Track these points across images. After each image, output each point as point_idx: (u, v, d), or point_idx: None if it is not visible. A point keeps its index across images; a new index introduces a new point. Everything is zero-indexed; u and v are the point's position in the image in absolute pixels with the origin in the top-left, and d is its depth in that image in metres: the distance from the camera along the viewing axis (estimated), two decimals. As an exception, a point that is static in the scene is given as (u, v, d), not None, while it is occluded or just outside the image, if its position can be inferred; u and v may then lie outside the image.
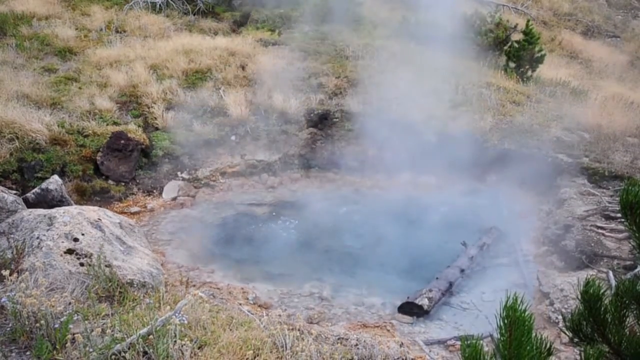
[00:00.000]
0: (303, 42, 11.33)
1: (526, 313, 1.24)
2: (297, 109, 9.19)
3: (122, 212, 6.85)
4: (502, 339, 1.28)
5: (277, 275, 5.99)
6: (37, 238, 4.40)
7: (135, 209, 7.33)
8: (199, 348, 3.27)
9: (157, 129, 8.55)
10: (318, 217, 7.53)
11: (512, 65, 11.26)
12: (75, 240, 4.50)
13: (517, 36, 11.82)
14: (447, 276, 5.78)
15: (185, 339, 3.20)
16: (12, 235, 4.54)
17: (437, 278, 5.69)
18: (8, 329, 3.33)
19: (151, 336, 3.09)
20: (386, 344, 3.93)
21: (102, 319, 3.53)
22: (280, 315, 4.07)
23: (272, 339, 3.41)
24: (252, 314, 4.33)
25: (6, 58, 9.49)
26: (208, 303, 4.16)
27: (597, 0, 18.40)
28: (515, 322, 1.22)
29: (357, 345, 3.73)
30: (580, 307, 1.52)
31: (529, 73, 11.08)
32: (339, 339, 3.91)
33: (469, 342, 1.40)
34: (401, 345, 4.09)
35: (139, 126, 8.36)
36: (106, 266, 4.18)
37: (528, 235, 6.98)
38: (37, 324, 3.13)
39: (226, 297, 5.16)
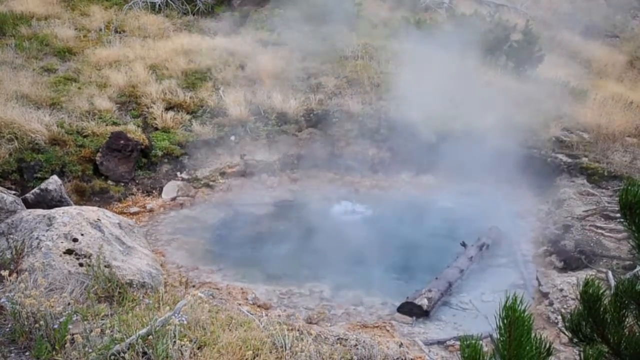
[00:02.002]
0: (302, 42, 11.32)
1: (525, 313, 1.24)
2: (297, 109, 9.19)
3: (121, 213, 6.84)
4: (501, 339, 1.28)
5: (277, 276, 5.99)
6: (37, 238, 4.40)
7: (134, 209, 7.32)
8: (198, 348, 3.27)
9: (156, 129, 8.55)
10: (317, 217, 7.53)
11: (511, 64, 11.27)
12: (75, 240, 4.49)
13: (516, 36, 11.83)
14: (447, 276, 5.78)
15: (185, 339, 3.20)
16: (11, 236, 4.54)
17: (436, 278, 5.69)
18: (7, 329, 3.33)
19: (150, 337, 3.09)
20: (386, 344, 3.94)
21: (102, 320, 3.52)
22: (279, 316, 4.07)
23: (271, 339, 3.41)
24: (252, 314, 4.33)
25: (5, 58, 9.48)
26: (207, 303, 4.16)
27: (596, 0, 18.42)
28: (514, 322, 1.22)
29: (356, 345, 3.73)
30: (580, 307, 1.52)
31: (528, 73, 11.09)
32: (338, 339, 3.91)
33: (468, 342, 1.40)
34: (401, 345, 4.09)
35: (138, 126, 8.36)
36: (105, 266, 4.18)
37: (527, 236, 6.99)
38: (37, 325, 3.13)
39: (226, 298, 5.15)
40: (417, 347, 4.40)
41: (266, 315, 4.27)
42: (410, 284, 5.75)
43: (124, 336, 3.17)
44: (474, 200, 7.94)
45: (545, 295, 5.17)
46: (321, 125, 9.19)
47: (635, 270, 4.86)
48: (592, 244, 5.86)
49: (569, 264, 5.70)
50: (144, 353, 3.03)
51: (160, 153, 8.16)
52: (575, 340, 1.55)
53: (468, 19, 12.05)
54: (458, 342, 4.06)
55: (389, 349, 3.79)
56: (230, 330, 3.59)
